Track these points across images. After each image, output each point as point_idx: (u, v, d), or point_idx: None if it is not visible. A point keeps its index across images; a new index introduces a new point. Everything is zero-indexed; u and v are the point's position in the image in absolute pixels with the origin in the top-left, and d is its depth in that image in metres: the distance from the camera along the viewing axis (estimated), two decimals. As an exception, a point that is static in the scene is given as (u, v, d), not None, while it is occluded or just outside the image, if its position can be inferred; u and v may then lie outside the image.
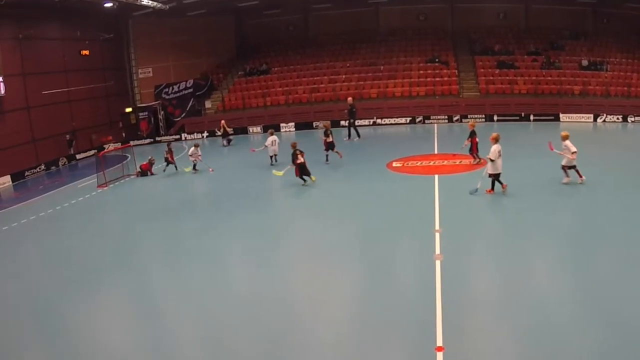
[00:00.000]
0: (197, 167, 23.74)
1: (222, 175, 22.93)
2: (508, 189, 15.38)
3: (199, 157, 23.77)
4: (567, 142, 15.64)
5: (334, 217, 15.05)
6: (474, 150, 19.39)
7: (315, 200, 17.41)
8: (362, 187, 18.11)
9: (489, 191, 15.48)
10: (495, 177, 15.25)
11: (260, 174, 21.62)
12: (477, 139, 19.18)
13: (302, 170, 18.53)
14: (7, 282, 12.81)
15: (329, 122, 24.02)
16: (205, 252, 13.28)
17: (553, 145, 16.09)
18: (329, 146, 21.85)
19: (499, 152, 14.92)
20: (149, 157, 25.00)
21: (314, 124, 33.74)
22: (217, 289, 11.00)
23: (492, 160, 14.95)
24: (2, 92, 28.01)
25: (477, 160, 19.25)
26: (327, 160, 21.91)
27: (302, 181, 18.62)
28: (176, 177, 23.54)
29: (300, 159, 18.38)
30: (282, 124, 34.93)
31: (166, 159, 24.36)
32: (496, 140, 15.07)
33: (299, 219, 15.51)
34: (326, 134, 21.93)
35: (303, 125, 34.03)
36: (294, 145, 18.70)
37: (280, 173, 19.81)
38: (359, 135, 27.59)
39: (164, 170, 24.22)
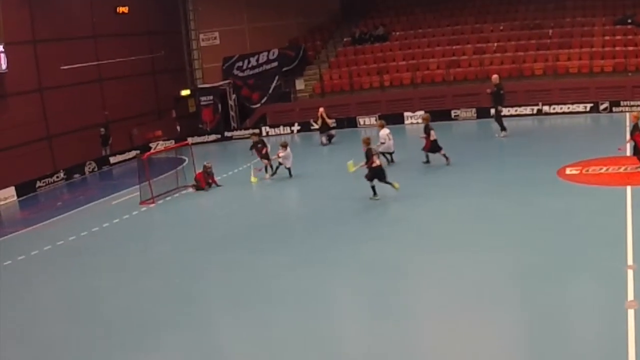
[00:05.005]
0: (292, 172, 25.15)
1: (318, 186, 24.03)
2: None
3: (277, 158, 24.98)
4: None
5: (480, 247, 15.44)
6: None
7: (451, 222, 17.89)
8: (521, 204, 18.50)
9: None
10: None
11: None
12: None
13: (377, 175, 20.09)
14: (10, 343, 13.05)
15: (428, 114, 24.88)
16: (296, 296, 13.83)
17: None
18: (433, 147, 23.79)
19: None
20: (204, 163, 25.68)
21: (453, 113, 34.55)
22: (314, 349, 11.36)
23: None
24: (3, 66, 28.63)
25: None
26: (427, 160, 24.16)
27: (372, 192, 20.22)
28: (250, 191, 24.58)
29: (377, 161, 19.98)
30: (406, 113, 35.77)
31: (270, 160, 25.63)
32: None
33: (427, 250, 15.94)
34: (426, 131, 23.68)
35: (437, 115, 33.58)
36: (366, 142, 20.47)
37: (353, 168, 21.36)
38: (504, 128, 28.74)
39: (273, 175, 25.35)
